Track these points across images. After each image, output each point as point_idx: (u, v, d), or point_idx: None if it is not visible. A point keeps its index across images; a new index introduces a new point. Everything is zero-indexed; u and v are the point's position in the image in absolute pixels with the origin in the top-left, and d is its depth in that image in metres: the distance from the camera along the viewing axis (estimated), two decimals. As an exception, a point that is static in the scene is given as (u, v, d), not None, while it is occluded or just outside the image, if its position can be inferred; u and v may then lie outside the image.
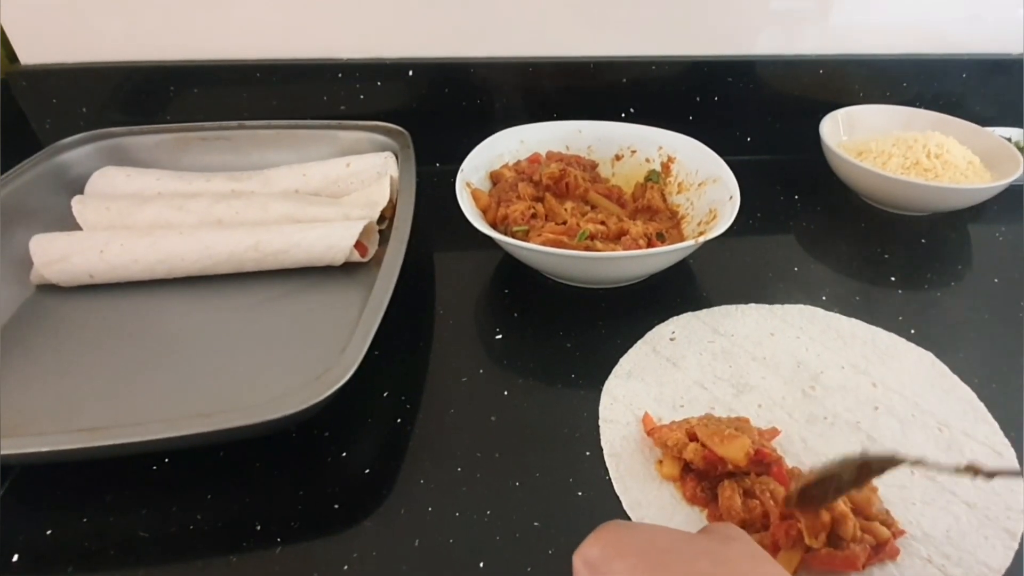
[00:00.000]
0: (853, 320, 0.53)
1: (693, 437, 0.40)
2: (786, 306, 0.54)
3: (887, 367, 0.49)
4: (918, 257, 0.62)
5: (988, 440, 0.43)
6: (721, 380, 0.47)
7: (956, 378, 0.48)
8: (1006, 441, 0.43)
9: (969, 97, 0.79)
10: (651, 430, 0.43)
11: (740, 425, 0.41)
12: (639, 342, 0.50)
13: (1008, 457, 0.42)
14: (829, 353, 0.50)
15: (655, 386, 0.47)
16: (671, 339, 0.51)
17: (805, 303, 0.55)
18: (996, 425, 0.44)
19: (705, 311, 0.54)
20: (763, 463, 0.39)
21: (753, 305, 0.54)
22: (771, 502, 0.37)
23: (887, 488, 0.39)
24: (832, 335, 0.52)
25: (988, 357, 0.50)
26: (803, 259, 0.62)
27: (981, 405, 0.46)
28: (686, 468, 0.40)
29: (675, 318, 0.53)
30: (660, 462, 0.42)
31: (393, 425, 0.44)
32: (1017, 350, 0.51)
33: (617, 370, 0.48)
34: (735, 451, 0.38)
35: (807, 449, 0.42)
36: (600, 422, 0.44)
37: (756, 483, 0.38)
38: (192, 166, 0.64)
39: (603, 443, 0.43)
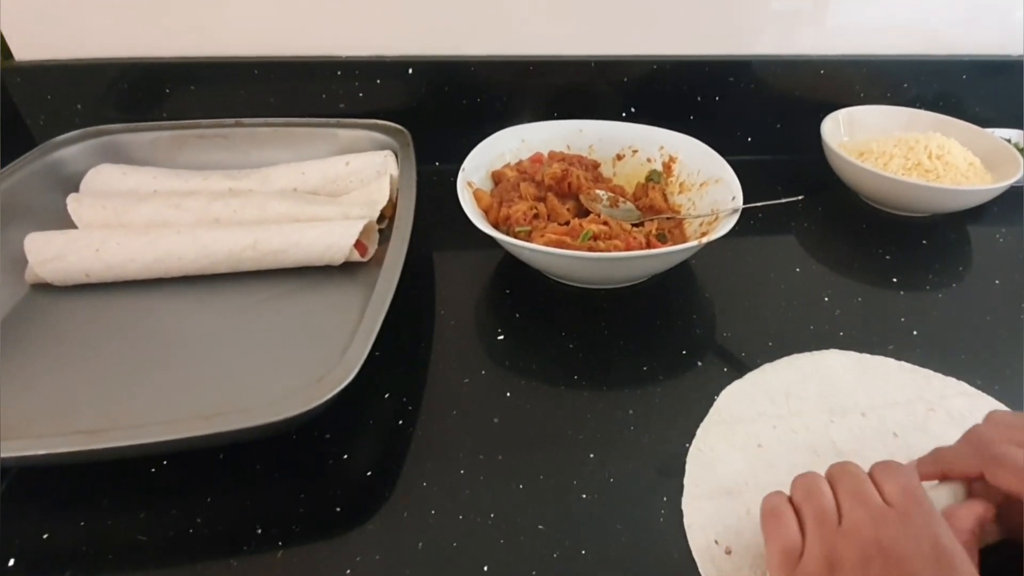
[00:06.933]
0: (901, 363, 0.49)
1: None
2: (815, 353, 0.50)
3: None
4: (919, 258, 0.62)
5: None
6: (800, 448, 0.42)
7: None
8: None
9: (969, 98, 0.79)
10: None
11: None
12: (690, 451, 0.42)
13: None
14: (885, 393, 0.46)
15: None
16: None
17: (808, 305, 0.55)
18: None
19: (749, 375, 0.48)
20: None
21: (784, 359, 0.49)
22: None
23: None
24: (875, 377, 0.48)
25: (989, 358, 0.50)
26: (804, 260, 0.62)
27: None
28: None
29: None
30: None
31: (395, 427, 0.44)
32: (1018, 351, 0.51)
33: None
34: None
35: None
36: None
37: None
38: (189, 164, 0.64)
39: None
